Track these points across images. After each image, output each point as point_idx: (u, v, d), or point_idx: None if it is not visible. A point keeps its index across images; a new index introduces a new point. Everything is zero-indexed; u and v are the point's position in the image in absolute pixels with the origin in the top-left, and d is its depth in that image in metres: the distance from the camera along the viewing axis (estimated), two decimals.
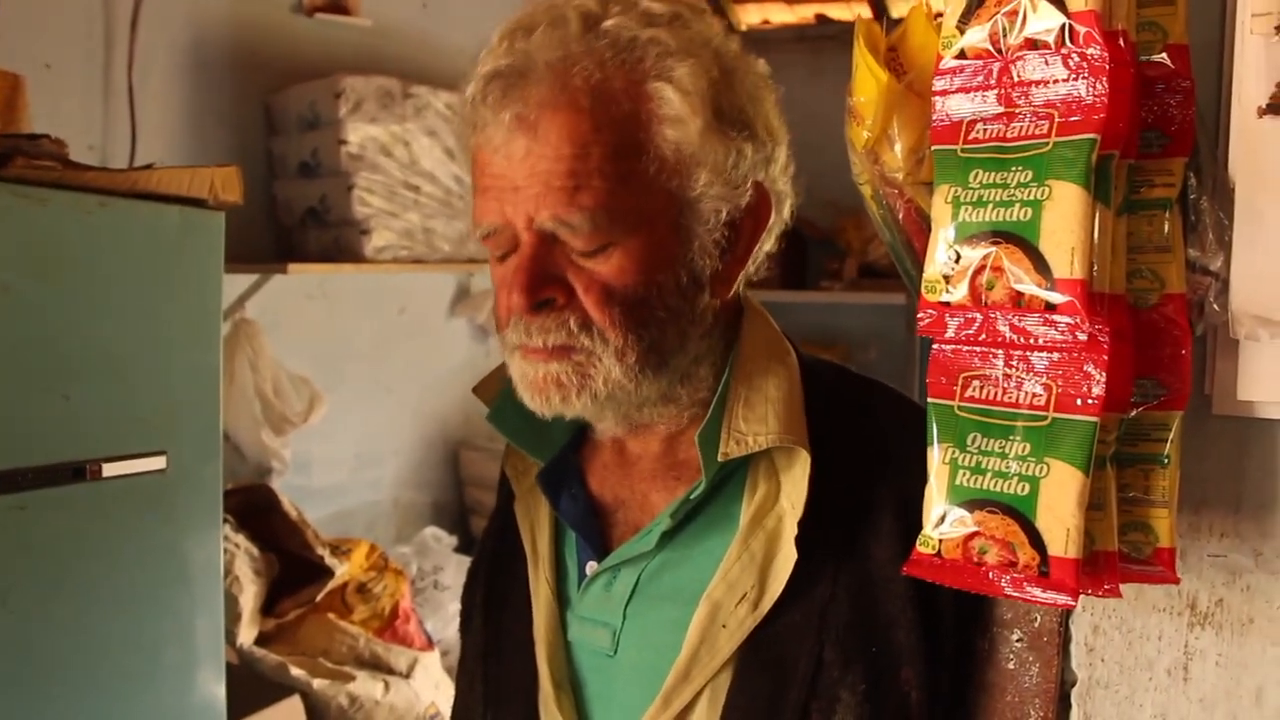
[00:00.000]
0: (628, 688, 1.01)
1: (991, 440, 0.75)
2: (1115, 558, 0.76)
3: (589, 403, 0.95)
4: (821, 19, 4.46)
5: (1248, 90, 0.78)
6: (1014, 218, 0.73)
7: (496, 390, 1.06)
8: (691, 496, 0.99)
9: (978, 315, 0.75)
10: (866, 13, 4.30)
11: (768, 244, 1.03)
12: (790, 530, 0.94)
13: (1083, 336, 0.70)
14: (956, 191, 0.76)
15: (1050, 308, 0.71)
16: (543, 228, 0.91)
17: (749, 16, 4.65)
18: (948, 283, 0.76)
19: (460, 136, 0.98)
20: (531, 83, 0.90)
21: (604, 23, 0.92)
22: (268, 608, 2.60)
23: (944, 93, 0.78)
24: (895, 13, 4.23)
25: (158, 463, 1.70)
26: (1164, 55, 0.78)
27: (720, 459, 0.96)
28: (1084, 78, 0.71)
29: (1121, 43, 0.72)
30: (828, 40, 4.32)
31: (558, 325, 0.93)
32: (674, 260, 0.95)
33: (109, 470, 1.63)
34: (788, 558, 0.94)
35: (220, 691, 1.88)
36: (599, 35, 0.91)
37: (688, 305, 0.96)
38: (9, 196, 1.50)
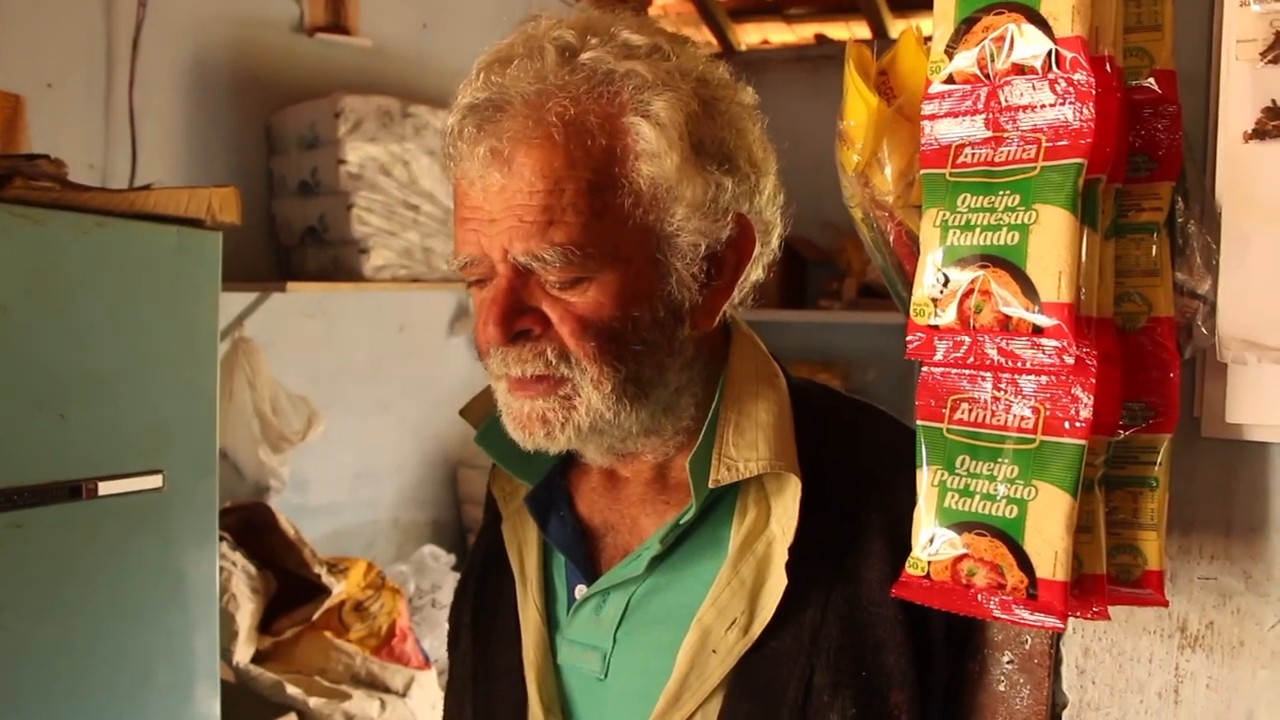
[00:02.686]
0: (618, 712, 1.01)
1: (980, 463, 0.76)
2: (1104, 580, 0.76)
3: (573, 437, 0.95)
4: (821, 39, 4.49)
5: (1234, 115, 0.79)
6: (1002, 241, 0.73)
7: (484, 413, 1.06)
8: (681, 521, 0.99)
9: (966, 338, 0.75)
10: (866, 33, 4.32)
11: (754, 274, 1.03)
12: (780, 555, 0.94)
13: (1070, 360, 0.71)
14: (945, 215, 0.76)
15: (1038, 331, 0.71)
16: (517, 261, 0.91)
17: (748, 36, 4.67)
18: (936, 306, 0.76)
19: (444, 166, 0.98)
20: (506, 116, 0.90)
21: (581, 55, 0.92)
22: (264, 626, 2.60)
23: (932, 117, 0.78)
24: (894, 33, 4.25)
25: (154, 481, 1.70)
26: (1151, 80, 0.78)
27: (712, 485, 0.96)
28: (1071, 103, 0.72)
29: (1108, 68, 0.73)
30: (827, 60, 4.34)
31: (535, 355, 0.93)
32: (650, 294, 0.94)
33: (105, 489, 1.63)
34: (778, 583, 0.94)
35: (215, 709, 1.87)
36: (575, 69, 0.91)
37: (665, 338, 0.96)
38: (7, 217, 1.51)
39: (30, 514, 1.54)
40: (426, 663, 2.85)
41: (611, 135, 0.91)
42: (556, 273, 0.91)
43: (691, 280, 0.96)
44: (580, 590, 1.04)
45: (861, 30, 4.39)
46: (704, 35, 4.61)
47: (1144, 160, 0.79)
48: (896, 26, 4.29)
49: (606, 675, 1.01)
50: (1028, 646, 0.91)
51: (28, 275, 1.54)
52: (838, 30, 4.49)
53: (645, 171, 0.91)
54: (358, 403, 3.41)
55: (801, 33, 4.58)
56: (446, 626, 3.24)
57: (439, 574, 3.40)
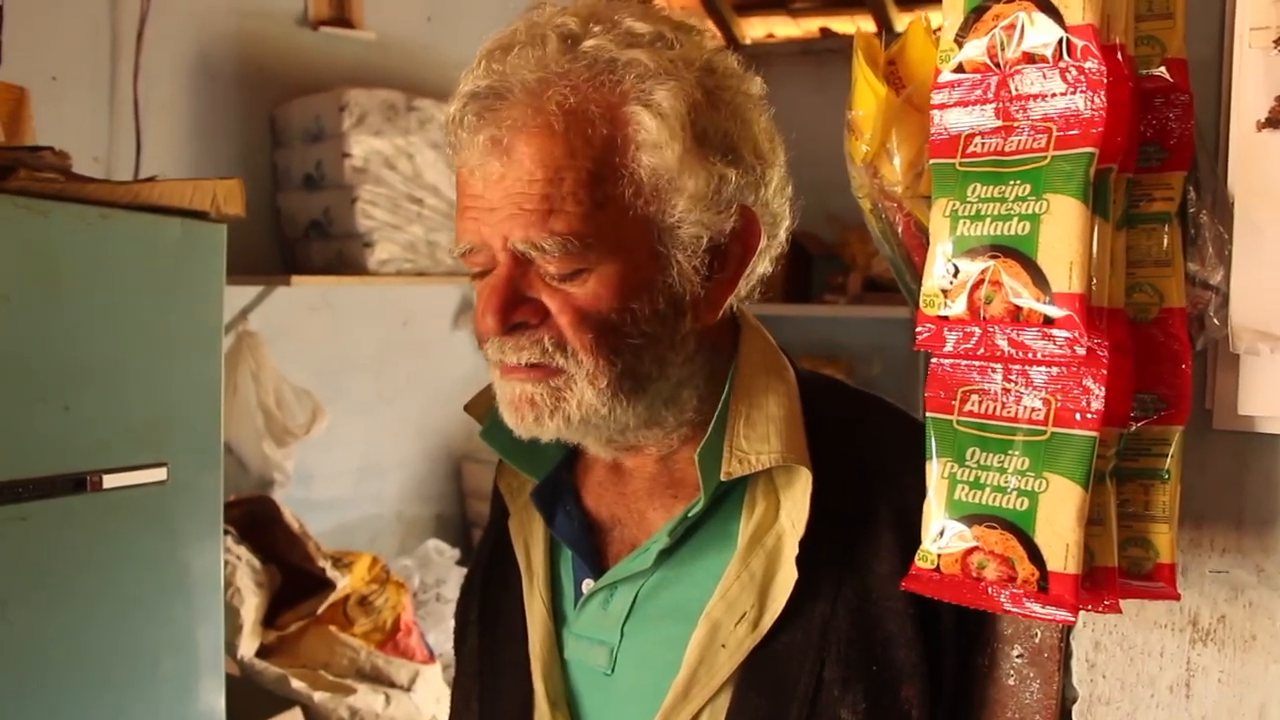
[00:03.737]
0: (625, 707, 1.00)
1: (990, 455, 0.75)
2: (1115, 573, 0.76)
3: (562, 425, 0.94)
4: (826, 33, 4.47)
5: (1246, 104, 0.78)
6: (1012, 231, 0.72)
7: (488, 409, 1.05)
8: (690, 514, 0.98)
9: (976, 329, 0.74)
10: (870, 26, 4.31)
11: (760, 266, 1.02)
12: (791, 549, 0.93)
13: (1081, 351, 0.70)
14: (954, 205, 0.76)
15: (1049, 322, 0.71)
16: (516, 249, 0.91)
17: (753, 30, 4.66)
18: (946, 296, 0.75)
19: (447, 155, 0.98)
20: (507, 105, 0.90)
21: (583, 43, 0.91)
22: (269, 620, 2.60)
23: (942, 106, 0.78)
24: (900, 26, 4.24)
25: (158, 474, 1.70)
26: (1162, 69, 0.78)
27: (724, 478, 0.95)
28: (1082, 92, 0.71)
29: (1119, 56, 0.72)
30: (832, 54, 4.32)
31: (532, 344, 0.92)
32: (651, 286, 0.93)
33: (109, 481, 1.63)
34: (788, 577, 0.93)
35: (220, 703, 1.87)
36: (577, 57, 0.90)
37: (666, 331, 0.95)
38: (11, 208, 1.51)
39: (35, 506, 1.54)
40: (431, 657, 2.85)
41: (612, 125, 0.90)
42: (555, 263, 0.90)
43: (694, 273, 0.95)
44: (587, 584, 1.04)
45: (867, 24, 4.38)
46: (708, 28, 4.59)
47: (1155, 150, 0.79)
48: (902, 20, 4.28)
49: (614, 670, 1.01)
50: (1037, 640, 0.90)
51: (32, 267, 1.54)
52: (843, 24, 4.48)
53: (646, 162, 0.91)
54: (362, 396, 3.40)
55: (806, 26, 4.57)
56: (451, 621, 3.24)
57: (443, 568, 3.39)
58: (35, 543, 1.55)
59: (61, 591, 1.60)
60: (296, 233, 3.08)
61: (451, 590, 3.27)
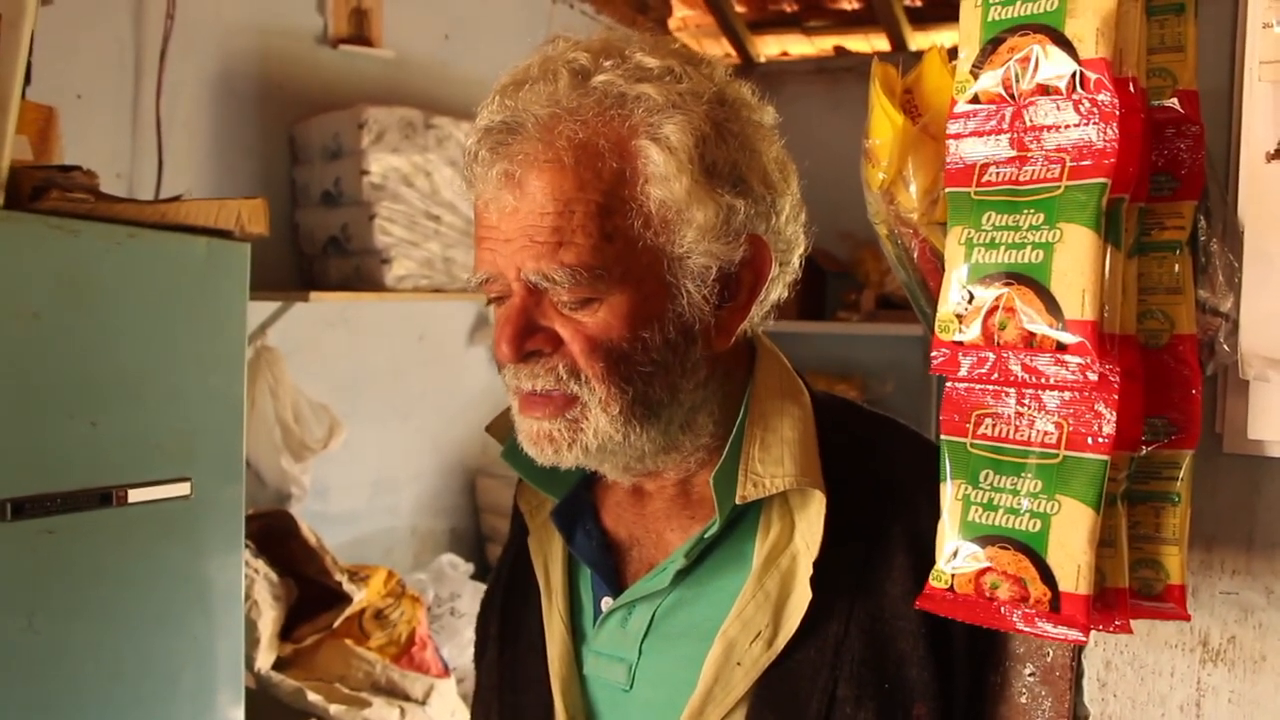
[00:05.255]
0: None
1: (1004, 477, 0.77)
2: (1126, 594, 0.77)
3: (580, 455, 0.97)
4: (840, 51, 4.50)
5: (1256, 135, 0.80)
6: (1026, 259, 0.74)
7: (509, 429, 1.07)
8: (705, 536, 1.00)
9: (990, 354, 0.76)
10: (884, 45, 4.33)
11: (774, 293, 1.04)
12: (805, 570, 0.95)
13: (1094, 376, 0.72)
14: (969, 233, 0.77)
15: (1061, 348, 0.72)
16: (529, 280, 0.93)
17: (768, 48, 4.69)
18: (961, 322, 0.77)
19: (464, 184, 1.01)
20: (520, 139, 0.92)
21: (593, 79, 0.93)
22: (285, 633, 2.62)
23: (958, 136, 0.79)
24: (914, 45, 4.26)
25: (182, 489, 1.72)
26: (1174, 100, 0.79)
27: (738, 501, 0.97)
28: (1095, 123, 0.73)
29: (1132, 89, 0.74)
30: (846, 72, 4.35)
31: (546, 371, 0.95)
32: (661, 315, 0.95)
33: (134, 496, 1.65)
34: (802, 597, 0.95)
35: (239, 716, 1.89)
36: (587, 92, 0.92)
37: (677, 358, 0.97)
38: (43, 228, 1.53)
39: (62, 520, 1.56)
40: (446, 671, 2.86)
41: (621, 158, 0.92)
42: (566, 293, 0.93)
43: (704, 301, 0.97)
44: (606, 603, 1.06)
45: (880, 43, 4.40)
46: (723, 47, 4.63)
47: (1167, 179, 0.80)
48: (915, 39, 4.30)
49: (632, 686, 1.02)
50: (1049, 659, 0.92)
51: (62, 285, 1.56)
52: (857, 42, 4.50)
53: (655, 194, 0.93)
54: (377, 411, 3.43)
55: (821, 45, 4.59)
56: (465, 635, 3.22)
57: (457, 583, 3.40)
58: (62, 555, 1.58)
59: (87, 603, 1.62)
60: (315, 249, 3.11)
61: (465, 605, 3.28)
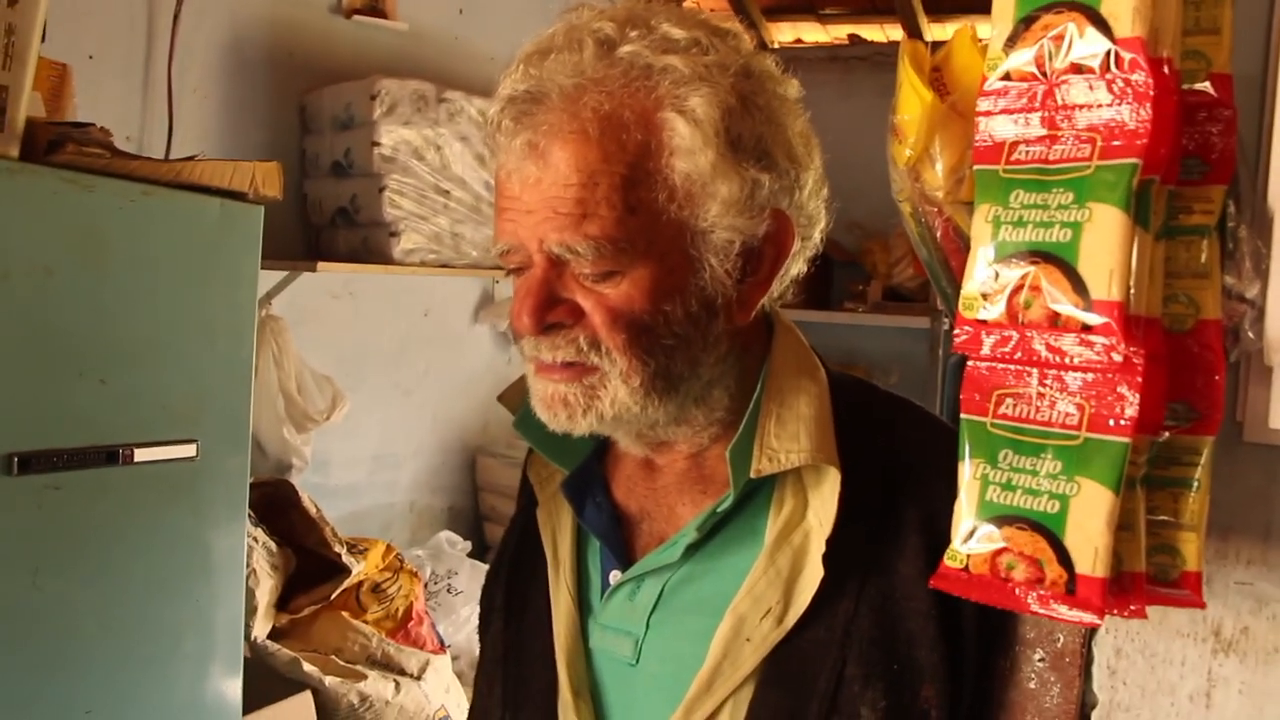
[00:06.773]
0: (648, 697, 1.01)
1: (1023, 457, 0.76)
2: (1142, 579, 0.77)
3: (595, 422, 0.96)
4: (854, 39, 4.47)
5: None
6: (1054, 238, 0.74)
7: (521, 399, 1.06)
8: (719, 509, 0.99)
9: (1014, 333, 0.76)
10: (899, 34, 4.31)
11: (795, 268, 1.03)
12: (817, 547, 0.95)
13: (1118, 358, 0.71)
14: (997, 211, 0.77)
15: (1087, 328, 0.72)
16: (551, 251, 0.93)
17: (781, 35, 4.67)
18: (985, 300, 0.77)
19: (479, 151, 1.00)
20: (544, 109, 0.91)
21: (619, 49, 0.92)
22: (282, 603, 2.62)
23: (988, 114, 0.79)
24: (929, 35, 4.24)
25: (188, 450, 1.72)
26: (1207, 84, 0.79)
27: (754, 475, 0.97)
28: (1128, 103, 0.72)
29: (1166, 70, 0.73)
30: (860, 61, 4.33)
31: (567, 342, 0.94)
32: (684, 288, 0.95)
33: (141, 455, 1.65)
34: (814, 574, 0.94)
35: (237, 683, 1.89)
36: (613, 63, 0.91)
37: (698, 332, 0.96)
38: (58, 182, 1.53)
39: (68, 476, 1.56)
40: (441, 647, 2.86)
41: (646, 130, 0.91)
42: (589, 265, 0.92)
43: (726, 275, 0.96)
44: (615, 576, 1.05)
45: (895, 32, 4.38)
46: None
47: (1197, 163, 0.80)
48: (931, 29, 4.28)
49: (638, 660, 1.02)
50: (1060, 644, 0.91)
51: (74, 241, 1.56)
52: (872, 31, 4.48)
53: (679, 167, 0.92)
54: (380, 385, 3.42)
55: (835, 33, 4.57)
56: (461, 612, 3.22)
57: (455, 560, 3.40)
58: (67, 512, 1.57)
59: (90, 563, 1.62)
60: (323, 219, 3.10)
61: (462, 582, 3.28)
